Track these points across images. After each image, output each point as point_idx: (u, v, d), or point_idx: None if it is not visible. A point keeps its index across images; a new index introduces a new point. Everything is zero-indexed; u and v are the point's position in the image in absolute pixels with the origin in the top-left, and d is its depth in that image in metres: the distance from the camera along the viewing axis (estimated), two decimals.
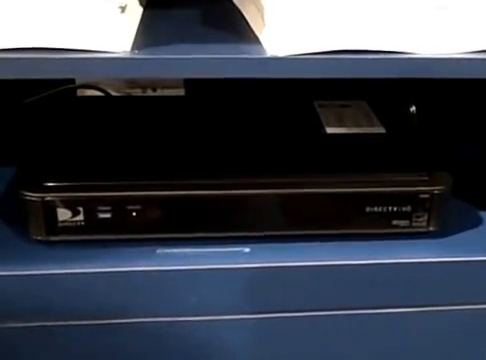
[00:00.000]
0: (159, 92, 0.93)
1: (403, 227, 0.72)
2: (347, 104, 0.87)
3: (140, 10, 0.71)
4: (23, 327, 0.68)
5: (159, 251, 0.69)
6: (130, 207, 0.68)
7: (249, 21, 0.69)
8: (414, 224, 0.72)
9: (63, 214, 0.68)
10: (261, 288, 0.69)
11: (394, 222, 0.71)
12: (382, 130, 0.81)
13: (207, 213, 0.70)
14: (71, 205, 0.67)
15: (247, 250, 0.70)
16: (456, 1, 0.61)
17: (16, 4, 0.58)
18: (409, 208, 0.71)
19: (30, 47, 0.58)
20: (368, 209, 0.71)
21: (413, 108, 0.85)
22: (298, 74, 0.61)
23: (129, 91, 0.93)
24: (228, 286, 0.68)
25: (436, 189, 0.71)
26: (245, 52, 0.61)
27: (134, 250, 0.69)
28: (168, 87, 0.92)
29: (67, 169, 0.71)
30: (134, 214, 0.68)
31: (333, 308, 0.71)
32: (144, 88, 0.93)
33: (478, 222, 0.76)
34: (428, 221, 0.71)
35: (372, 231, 0.72)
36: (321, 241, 0.71)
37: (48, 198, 0.67)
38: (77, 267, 0.67)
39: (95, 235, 0.69)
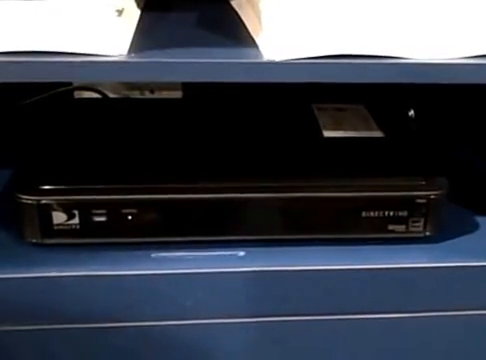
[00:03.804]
0: (157, 94, 0.93)
1: (399, 232, 0.71)
2: (345, 108, 0.87)
3: (137, 13, 0.71)
4: (17, 330, 0.68)
5: (154, 255, 0.69)
6: (125, 211, 0.68)
7: (247, 25, 0.69)
8: (410, 229, 0.71)
9: (58, 217, 0.68)
10: (256, 292, 0.69)
11: (390, 227, 0.71)
12: (380, 134, 0.81)
13: (202, 217, 0.69)
14: (66, 208, 0.67)
15: (242, 254, 0.70)
16: (454, 6, 0.61)
17: (13, 8, 0.58)
18: (406, 213, 0.71)
19: (27, 50, 0.58)
20: (364, 213, 0.70)
21: (411, 112, 0.85)
22: (295, 78, 0.61)
23: (127, 93, 0.92)
24: (223, 290, 0.68)
25: (433, 194, 0.71)
26: (243, 56, 0.61)
27: (129, 254, 0.69)
28: (166, 89, 0.92)
29: (63, 172, 0.71)
30: (129, 218, 0.68)
31: (328, 313, 0.71)
32: (142, 90, 0.93)
33: (474, 227, 0.76)
34: (424, 226, 0.71)
35: (368, 236, 0.72)
36: (317, 245, 0.71)
37: (43, 201, 0.67)
38: (72, 270, 0.67)
39: (90, 238, 0.69)
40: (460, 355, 0.75)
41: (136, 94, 0.93)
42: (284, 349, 0.72)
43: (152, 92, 0.93)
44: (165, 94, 0.92)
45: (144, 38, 0.64)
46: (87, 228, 0.68)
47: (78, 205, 0.68)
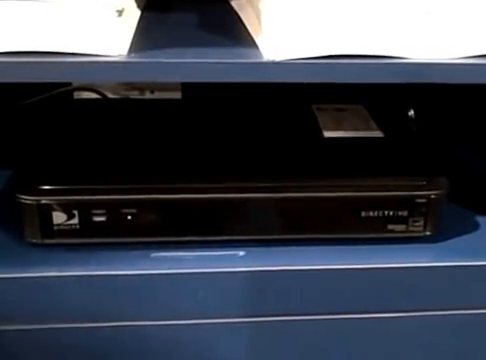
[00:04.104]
0: (156, 94, 0.93)
1: (399, 231, 0.72)
2: (345, 108, 0.87)
3: (137, 14, 0.71)
4: (18, 330, 0.68)
5: (154, 255, 0.69)
6: (125, 210, 0.68)
7: (247, 25, 0.69)
8: (410, 228, 0.72)
9: (58, 217, 0.68)
10: (256, 292, 0.69)
11: (390, 226, 0.71)
12: (380, 134, 0.81)
13: (202, 217, 0.70)
14: (66, 208, 0.67)
15: (242, 254, 0.70)
16: (453, 6, 0.61)
17: (13, 8, 0.58)
18: (406, 212, 0.71)
19: (27, 51, 0.58)
20: (364, 213, 0.71)
21: (411, 112, 0.85)
22: (295, 78, 0.61)
23: (126, 93, 0.92)
24: (223, 290, 0.68)
25: (433, 194, 0.71)
26: (242, 56, 0.61)
27: (129, 253, 0.69)
28: (165, 89, 0.92)
29: (63, 172, 0.71)
30: (129, 217, 0.68)
31: (328, 312, 0.71)
32: (141, 90, 0.93)
33: (474, 227, 0.76)
34: (425, 226, 0.71)
35: (368, 235, 0.72)
36: (317, 245, 0.71)
37: (43, 201, 0.67)
38: (72, 270, 0.67)
39: (90, 238, 0.69)
40: (460, 355, 0.75)
41: (136, 95, 0.93)
42: (284, 349, 0.72)
43: (152, 93, 0.93)
44: (164, 95, 0.92)
45: (144, 38, 0.64)
46: (87, 228, 0.68)
47: (78, 205, 0.68)
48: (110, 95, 0.91)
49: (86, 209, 0.68)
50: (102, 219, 0.68)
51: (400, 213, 0.71)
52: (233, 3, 0.77)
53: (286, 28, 0.60)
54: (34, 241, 0.69)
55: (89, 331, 0.69)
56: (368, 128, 0.82)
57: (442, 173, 0.73)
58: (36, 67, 0.59)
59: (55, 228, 0.68)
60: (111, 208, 0.68)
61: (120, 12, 0.61)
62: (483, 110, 0.91)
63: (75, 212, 0.68)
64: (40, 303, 0.67)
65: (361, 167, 0.74)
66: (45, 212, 0.67)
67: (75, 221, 0.68)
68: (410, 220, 0.71)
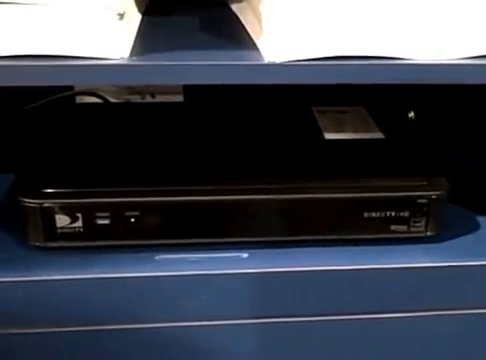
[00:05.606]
0: (158, 98, 0.93)
1: (401, 232, 0.72)
2: (345, 110, 0.87)
3: (139, 17, 0.71)
4: (22, 333, 0.68)
5: (158, 257, 0.69)
6: (128, 213, 0.68)
7: (247, 27, 0.70)
8: (412, 229, 0.72)
9: (61, 220, 0.68)
10: (260, 293, 0.69)
11: (392, 227, 0.71)
12: (380, 135, 0.81)
13: (205, 219, 0.70)
14: (69, 211, 0.67)
15: (245, 255, 0.70)
16: (453, 7, 0.62)
17: (14, 12, 0.58)
18: (407, 213, 0.71)
19: (28, 54, 0.59)
20: (366, 214, 0.71)
21: (411, 114, 0.86)
22: (296, 80, 0.61)
23: (128, 97, 0.93)
24: (227, 292, 0.68)
25: (434, 194, 0.71)
26: (243, 58, 0.61)
27: (133, 256, 0.69)
28: (167, 93, 0.92)
29: (66, 175, 0.71)
30: (133, 220, 0.68)
31: (331, 313, 0.71)
32: (143, 94, 0.93)
33: (475, 227, 0.76)
34: (426, 226, 0.72)
35: (370, 236, 0.72)
36: (319, 246, 0.71)
37: (46, 204, 0.67)
38: (75, 273, 0.67)
39: (93, 241, 0.69)
40: (461, 355, 0.75)
41: (137, 99, 0.93)
42: (288, 350, 0.72)
43: (153, 96, 0.93)
44: (166, 98, 0.92)
45: (145, 41, 0.65)
46: (90, 231, 0.68)
47: (81, 208, 0.68)
48: (112, 99, 0.92)
49: (89, 212, 0.68)
50: (105, 222, 0.68)
51: (402, 214, 0.71)
52: (233, 6, 0.78)
53: (286, 30, 0.60)
54: (37, 244, 0.69)
55: (93, 334, 0.69)
56: (369, 130, 0.82)
57: (443, 174, 0.73)
58: (38, 71, 0.59)
59: (58, 231, 0.68)
60: (114, 211, 0.68)
61: (121, 15, 0.61)
62: (483, 110, 0.92)
63: (78, 215, 0.68)
64: (43, 306, 0.67)
65: (362, 168, 0.74)
66: (48, 215, 0.67)
67: (78, 224, 0.68)
68: (411, 220, 0.71)
